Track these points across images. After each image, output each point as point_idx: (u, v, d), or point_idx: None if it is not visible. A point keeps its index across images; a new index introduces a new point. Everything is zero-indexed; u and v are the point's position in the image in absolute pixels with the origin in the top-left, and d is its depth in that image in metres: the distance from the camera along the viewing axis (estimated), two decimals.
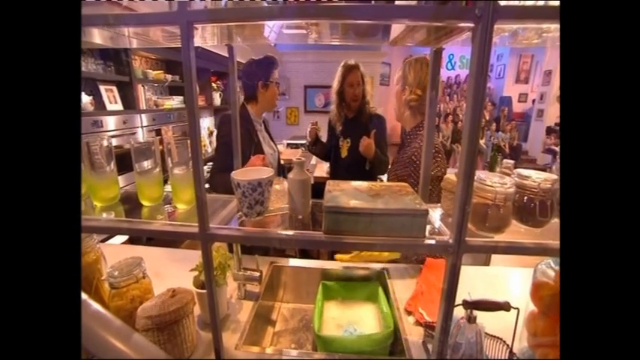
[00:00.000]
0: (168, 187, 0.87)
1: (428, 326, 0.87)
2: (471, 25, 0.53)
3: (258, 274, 1.00)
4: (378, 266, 1.19)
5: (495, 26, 0.51)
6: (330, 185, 0.78)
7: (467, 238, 0.60)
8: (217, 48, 3.02)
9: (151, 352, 0.44)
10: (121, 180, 1.92)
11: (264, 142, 1.66)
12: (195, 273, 0.91)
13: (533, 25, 0.63)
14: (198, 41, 0.87)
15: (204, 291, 0.80)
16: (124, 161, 0.96)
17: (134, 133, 2.44)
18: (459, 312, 0.68)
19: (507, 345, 0.76)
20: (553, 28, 0.65)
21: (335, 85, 1.80)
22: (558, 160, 0.77)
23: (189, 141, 0.62)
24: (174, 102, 3.09)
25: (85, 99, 2.08)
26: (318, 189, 0.80)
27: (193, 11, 0.57)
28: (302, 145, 3.53)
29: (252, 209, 0.75)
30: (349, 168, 1.84)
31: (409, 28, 0.72)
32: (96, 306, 0.45)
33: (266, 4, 0.63)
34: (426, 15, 0.55)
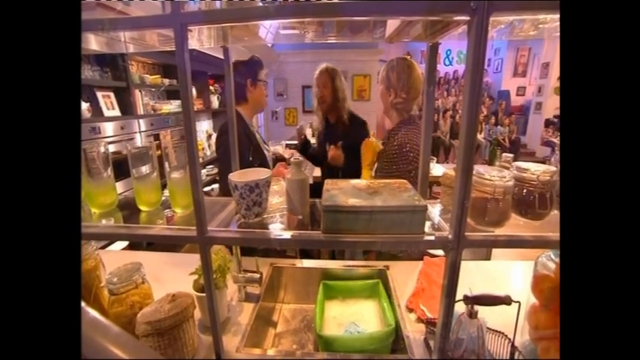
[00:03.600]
0: (167, 192, 0.87)
1: (429, 323, 0.86)
2: (467, 18, 0.52)
3: (258, 275, 0.99)
4: (378, 264, 1.18)
5: (491, 18, 0.51)
6: (328, 184, 0.78)
7: (466, 233, 0.60)
8: (214, 51, 3.00)
9: (149, 357, 0.44)
10: (121, 186, 1.93)
11: (261, 143, 1.69)
12: (195, 276, 0.91)
13: (529, 16, 0.63)
14: (194, 44, 0.87)
15: (204, 294, 0.80)
16: (123, 167, 0.95)
17: (132, 139, 2.43)
18: (460, 307, 0.67)
19: (509, 339, 0.75)
20: (549, 19, 0.65)
21: (313, 89, 1.92)
22: (557, 153, 0.77)
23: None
24: (172, 106, 3.09)
25: (83, 105, 2.08)
26: (316, 189, 0.80)
27: (187, 13, 0.57)
28: (292, 145, 3.55)
29: (250, 211, 0.75)
30: (342, 173, 1.86)
31: (404, 23, 0.71)
32: (93, 313, 0.45)
33: (261, 4, 0.63)
34: (422, 9, 0.55)
